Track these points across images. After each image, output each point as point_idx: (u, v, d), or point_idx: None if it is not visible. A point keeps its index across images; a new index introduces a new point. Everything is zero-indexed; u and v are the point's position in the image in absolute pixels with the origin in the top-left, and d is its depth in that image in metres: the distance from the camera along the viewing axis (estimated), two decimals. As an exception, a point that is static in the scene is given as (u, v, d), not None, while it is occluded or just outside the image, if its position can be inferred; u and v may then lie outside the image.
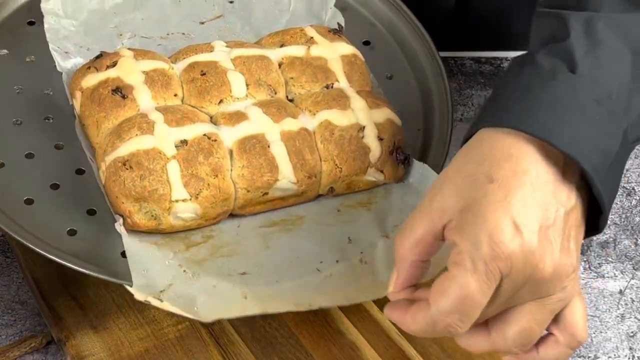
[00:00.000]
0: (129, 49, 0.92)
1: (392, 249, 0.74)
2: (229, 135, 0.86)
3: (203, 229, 0.86)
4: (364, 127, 0.89)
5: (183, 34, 1.00)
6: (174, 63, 0.92)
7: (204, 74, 0.90)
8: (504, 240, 0.68)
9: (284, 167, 0.86)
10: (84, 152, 0.89)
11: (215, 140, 0.85)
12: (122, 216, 0.83)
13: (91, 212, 0.86)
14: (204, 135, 0.85)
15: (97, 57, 0.91)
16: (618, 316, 0.98)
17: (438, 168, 0.92)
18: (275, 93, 0.92)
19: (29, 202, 0.85)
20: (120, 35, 0.98)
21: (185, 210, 0.83)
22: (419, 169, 0.91)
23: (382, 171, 0.90)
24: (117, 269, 0.82)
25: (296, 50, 0.95)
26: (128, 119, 0.86)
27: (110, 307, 0.88)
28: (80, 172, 0.88)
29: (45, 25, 0.95)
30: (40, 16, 0.97)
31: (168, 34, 0.99)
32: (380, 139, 0.90)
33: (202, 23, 1.01)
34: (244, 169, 0.85)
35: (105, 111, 0.87)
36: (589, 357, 0.94)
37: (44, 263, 0.89)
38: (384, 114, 0.91)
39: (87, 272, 0.81)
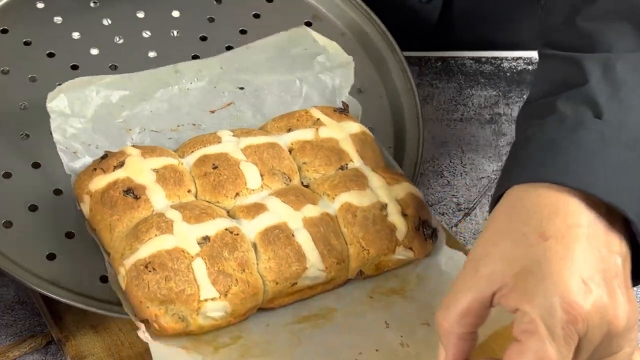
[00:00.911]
0: (134, 146, 0.90)
1: (435, 330, 0.71)
2: (251, 229, 0.84)
3: (231, 330, 0.82)
4: (386, 204, 0.87)
5: (194, 124, 0.97)
6: (182, 157, 0.90)
7: (216, 167, 0.88)
8: (578, 300, 0.65)
9: (311, 254, 0.84)
10: (61, 170, 0.88)
11: (238, 234, 0.83)
12: (145, 322, 0.80)
13: (70, 235, 0.86)
14: (226, 229, 0.83)
15: (103, 158, 0.88)
16: (618, 316, 0.96)
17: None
18: (290, 180, 0.90)
19: (8, 225, 0.86)
20: (130, 130, 0.95)
21: (215, 309, 0.80)
22: (446, 252, 0.88)
23: (410, 248, 0.87)
24: (97, 295, 0.83)
25: (305, 134, 0.93)
26: (144, 220, 0.83)
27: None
28: (58, 192, 0.89)
29: (52, 125, 0.91)
30: (14, 23, 0.97)
31: (178, 126, 0.97)
32: (404, 215, 0.88)
33: (213, 112, 0.98)
34: (270, 261, 0.83)
35: (118, 214, 0.84)
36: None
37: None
38: (405, 188, 0.89)
39: (67, 301, 0.82)
